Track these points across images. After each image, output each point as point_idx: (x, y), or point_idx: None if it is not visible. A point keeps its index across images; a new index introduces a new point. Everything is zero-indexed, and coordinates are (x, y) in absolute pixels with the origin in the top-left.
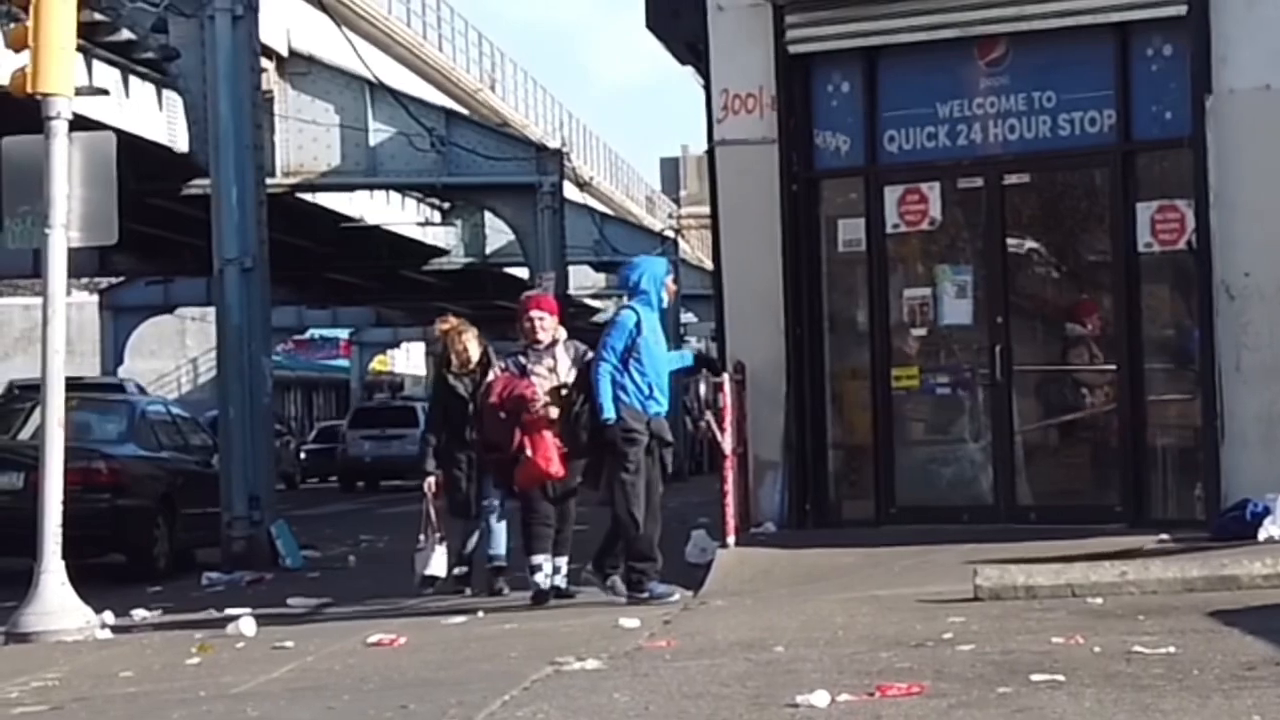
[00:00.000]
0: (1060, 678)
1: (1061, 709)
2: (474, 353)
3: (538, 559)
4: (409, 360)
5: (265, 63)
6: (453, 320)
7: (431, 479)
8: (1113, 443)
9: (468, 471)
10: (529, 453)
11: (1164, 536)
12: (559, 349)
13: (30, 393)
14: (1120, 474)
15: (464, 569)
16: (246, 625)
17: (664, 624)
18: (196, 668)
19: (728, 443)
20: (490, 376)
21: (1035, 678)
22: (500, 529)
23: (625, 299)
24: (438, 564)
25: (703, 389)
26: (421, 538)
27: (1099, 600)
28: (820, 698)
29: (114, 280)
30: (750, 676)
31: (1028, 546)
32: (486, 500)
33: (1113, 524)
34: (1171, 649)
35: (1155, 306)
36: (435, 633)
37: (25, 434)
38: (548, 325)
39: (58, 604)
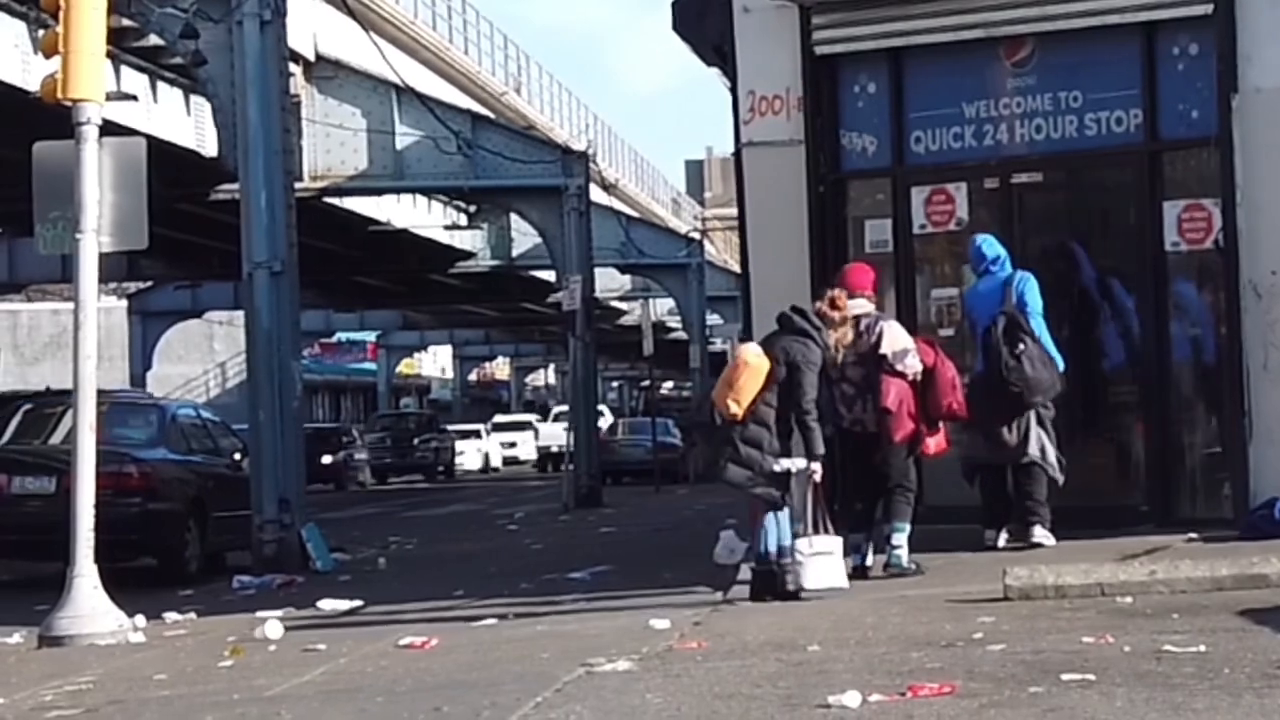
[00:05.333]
0: (1091, 677)
1: (1093, 708)
2: None
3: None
4: (435, 363)
5: (293, 67)
6: None
7: (819, 466)
8: (1140, 442)
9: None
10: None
11: (1192, 535)
12: None
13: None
14: (1148, 473)
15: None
16: (272, 629)
17: (694, 625)
18: (229, 670)
19: None
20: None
21: (1066, 677)
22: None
23: (983, 270)
24: (839, 571)
25: None
26: (809, 541)
27: (1128, 599)
28: (852, 698)
29: (142, 285)
30: (781, 677)
31: (1056, 546)
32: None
33: (1141, 523)
34: (1202, 648)
35: (1182, 305)
36: (466, 635)
37: (56, 439)
38: None
39: (90, 607)
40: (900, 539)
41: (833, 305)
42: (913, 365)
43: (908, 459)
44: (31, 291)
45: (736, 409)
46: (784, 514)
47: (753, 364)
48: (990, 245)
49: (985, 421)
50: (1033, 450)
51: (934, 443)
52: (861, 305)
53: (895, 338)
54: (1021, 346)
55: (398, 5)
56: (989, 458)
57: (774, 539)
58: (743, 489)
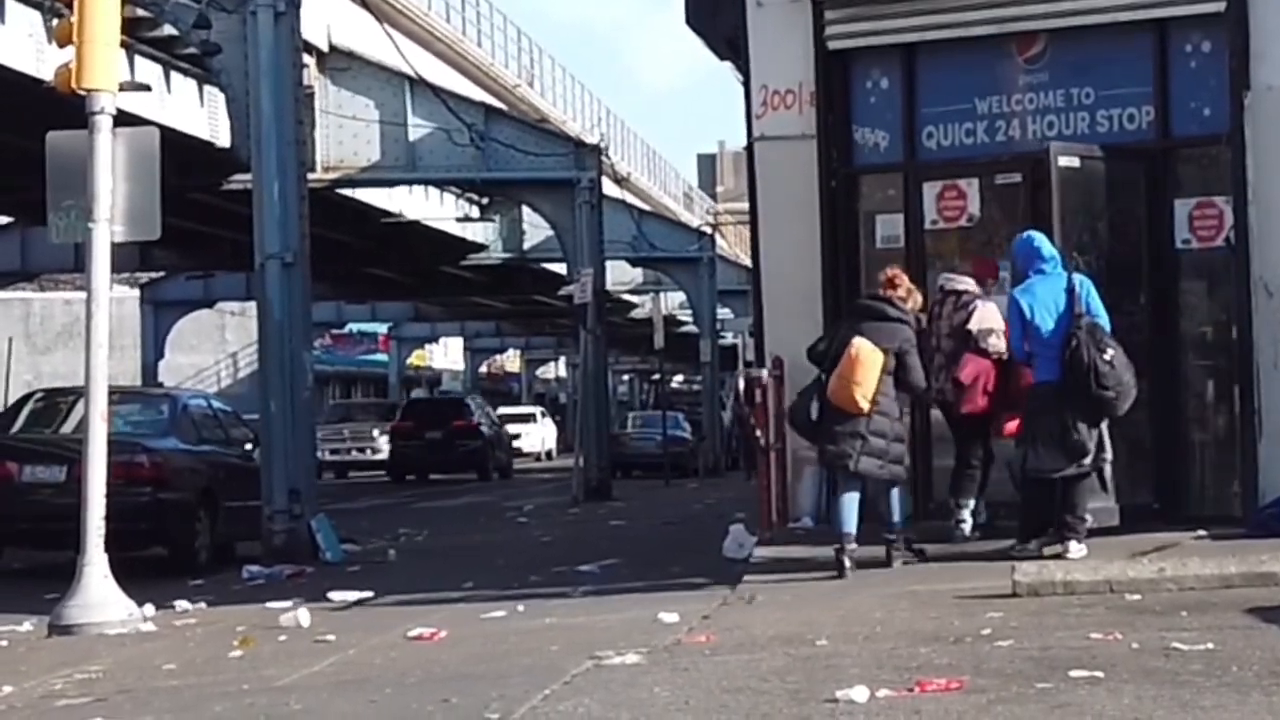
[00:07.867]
0: (1099, 674)
1: (1100, 705)
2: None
3: None
4: (446, 355)
5: (306, 58)
6: None
7: None
8: (1149, 440)
9: None
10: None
11: (1202, 533)
12: None
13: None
14: (1157, 471)
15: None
16: (303, 616)
17: (703, 619)
18: (239, 661)
19: (766, 438)
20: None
21: (1074, 673)
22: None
23: (1035, 270)
24: None
25: (741, 384)
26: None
27: (1137, 596)
28: (860, 693)
29: (154, 275)
30: (790, 671)
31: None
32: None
33: (1150, 520)
34: (1210, 645)
35: (1192, 303)
36: (475, 627)
37: (67, 428)
38: None
39: (100, 597)
40: (964, 513)
41: (891, 284)
42: (995, 345)
43: (976, 436)
44: (44, 281)
45: (865, 403)
46: (899, 493)
47: (871, 359)
48: (1046, 243)
49: (1057, 429)
50: (1108, 456)
51: (1013, 426)
52: (965, 282)
53: (984, 317)
54: (1111, 351)
55: None
56: (1056, 468)
57: (898, 514)
58: (873, 476)
